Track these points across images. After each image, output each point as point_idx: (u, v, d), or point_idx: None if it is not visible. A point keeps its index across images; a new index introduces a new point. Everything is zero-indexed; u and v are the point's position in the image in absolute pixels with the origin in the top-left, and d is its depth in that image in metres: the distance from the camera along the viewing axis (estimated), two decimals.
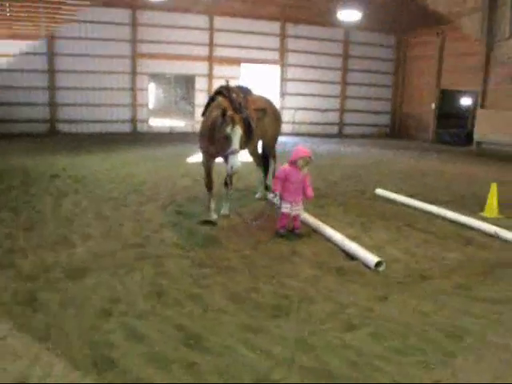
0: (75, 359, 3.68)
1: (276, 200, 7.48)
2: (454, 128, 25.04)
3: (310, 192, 7.19)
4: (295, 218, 7.25)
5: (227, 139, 6.75)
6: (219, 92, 7.86)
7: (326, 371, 3.68)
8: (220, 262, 5.98)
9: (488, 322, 4.61)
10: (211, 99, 7.92)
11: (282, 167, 7.24)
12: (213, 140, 7.26)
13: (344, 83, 26.00)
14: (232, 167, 6.71)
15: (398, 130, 27.40)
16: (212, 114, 7.34)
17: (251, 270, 5.79)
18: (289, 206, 7.11)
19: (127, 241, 6.69)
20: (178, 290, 5.10)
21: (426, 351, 4.03)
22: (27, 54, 21.04)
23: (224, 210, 8.10)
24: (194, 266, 5.83)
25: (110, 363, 3.65)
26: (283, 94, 24.98)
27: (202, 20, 23.08)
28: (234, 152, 6.71)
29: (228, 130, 6.70)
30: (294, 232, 7.23)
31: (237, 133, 6.72)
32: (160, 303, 4.76)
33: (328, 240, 6.98)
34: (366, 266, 5.96)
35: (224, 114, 6.72)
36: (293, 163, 7.06)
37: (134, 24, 22.18)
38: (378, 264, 5.89)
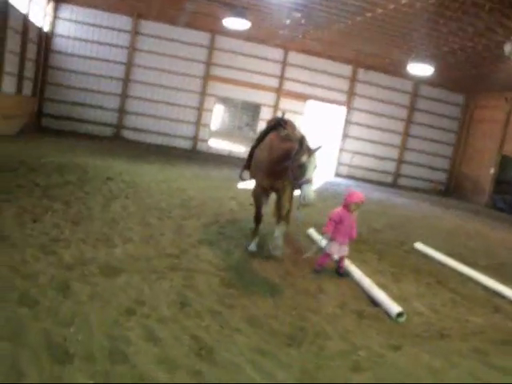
0: (92, 349, 3.94)
1: (322, 241, 7.53)
2: (510, 195, 24.55)
3: (354, 233, 7.42)
4: (342, 258, 7.42)
5: (301, 168, 6.45)
6: (276, 124, 7.96)
7: None
8: (247, 286, 6.17)
9: None
10: (266, 132, 8.01)
11: (336, 210, 7.34)
12: (272, 172, 7.33)
13: (406, 134, 26.00)
14: (305, 197, 6.30)
15: (453, 189, 27.06)
16: (280, 145, 7.12)
17: (275, 298, 5.95)
18: (337, 247, 7.28)
19: (164, 250, 6.99)
20: (202, 304, 5.32)
21: None
22: (107, 60, 22.21)
23: (275, 250, 7.66)
24: (222, 285, 6.04)
25: (124, 357, 3.90)
26: (345, 136, 25.18)
27: (276, 53, 23.74)
28: (308, 182, 6.38)
29: (304, 158, 6.43)
30: (339, 272, 7.40)
31: (313, 163, 6.52)
32: (182, 313, 4.99)
33: (356, 284, 7.07)
34: (388, 314, 6.03)
35: (302, 143, 6.55)
36: (346, 206, 7.26)
37: (211, 47, 23.05)
38: (399, 315, 5.94)
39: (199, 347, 4.30)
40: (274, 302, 5.83)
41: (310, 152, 6.51)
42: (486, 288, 8.15)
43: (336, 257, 7.44)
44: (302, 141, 6.56)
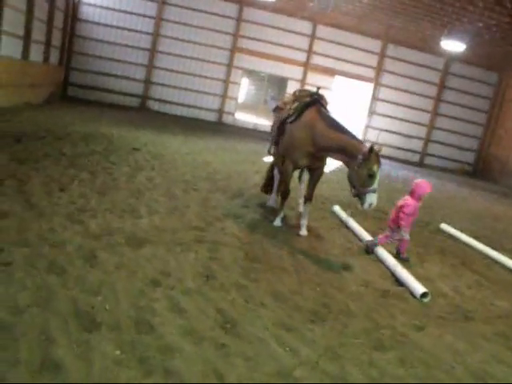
0: (119, 318, 3.97)
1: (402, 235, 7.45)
2: None
3: None
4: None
5: (371, 178, 6.54)
6: (315, 101, 7.68)
7: (345, 381, 3.79)
8: (272, 261, 6.18)
9: None
10: (303, 108, 7.60)
11: (408, 203, 7.30)
12: (312, 155, 7.36)
13: (434, 113, 25.58)
14: (371, 204, 6.57)
15: (480, 170, 26.67)
16: (330, 134, 7.00)
17: (299, 274, 5.95)
18: (406, 234, 7.38)
19: (190, 222, 7.00)
20: (227, 277, 5.33)
21: None
22: (134, 30, 22.12)
23: (303, 231, 7.74)
24: (247, 259, 6.05)
25: (150, 328, 3.92)
26: (372, 113, 24.87)
27: (304, 26, 23.44)
28: (375, 191, 6.59)
29: (375, 168, 6.54)
30: (401, 256, 7.45)
31: (379, 172, 6.66)
32: (207, 285, 5.01)
33: (381, 263, 7.03)
34: (412, 294, 5.99)
35: (372, 149, 6.51)
36: (417, 197, 7.35)
37: (238, 19, 22.84)
38: (423, 295, 5.90)
39: (224, 320, 4.31)
40: (298, 277, 5.82)
41: (379, 161, 6.59)
42: None
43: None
44: (372, 148, 6.51)
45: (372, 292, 5.88)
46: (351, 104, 24.94)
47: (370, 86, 24.82)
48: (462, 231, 9.85)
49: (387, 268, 6.83)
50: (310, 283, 5.71)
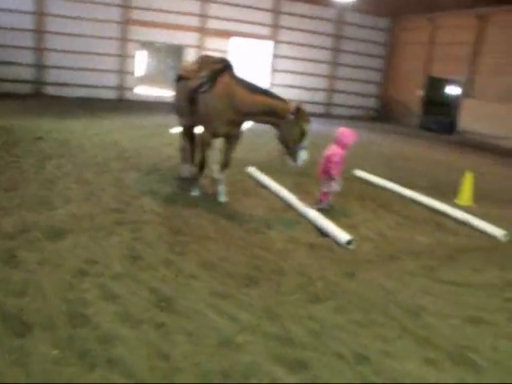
0: (51, 316, 3.86)
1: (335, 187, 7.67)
2: (439, 115, 25.30)
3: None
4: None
5: (303, 135, 6.74)
6: (226, 67, 7.47)
7: (288, 339, 3.90)
8: (196, 231, 6.18)
9: (446, 303, 4.87)
10: (214, 75, 7.38)
11: (335, 152, 7.50)
12: (234, 121, 7.27)
13: (334, 63, 26.09)
14: (302, 161, 6.84)
15: (384, 114, 27.64)
16: (253, 98, 6.97)
17: (225, 239, 6.00)
18: (337, 183, 7.60)
19: (107, 205, 6.84)
20: (154, 255, 5.29)
21: (385, 325, 4.28)
22: (14, 11, 20.73)
23: (222, 197, 7.76)
24: (171, 234, 6.02)
25: (85, 320, 3.84)
26: (274, 71, 25.00)
27: None
28: (306, 147, 6.79)
29: (306, 125, 6.75)
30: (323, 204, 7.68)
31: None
32: (135, 266, 4.95)
33: (303, 216, 7.20)
34: (338, 243, 6.20)
35: (299, 108, 6.71)
36: (343, 146, 7.56)
37: None
38: (348, 242, 6.13)
39: (158, 299, 4.29)
40: (224, 244, 5.88)
41: (308, 118, 6.78)
42: (427, 208, 8.51)
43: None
44: (300, 107, 6.69)
45: (299, 247, 6.04)
46: (252, 64, 24.90)
47: (269, 44, 24.87)
48: (376, 175, 10.24)
49: (309, 221, 7.01)
50: (237, 248, 5.78)
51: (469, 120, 22.45)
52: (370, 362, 3.70)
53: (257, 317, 4.17)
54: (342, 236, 6.20)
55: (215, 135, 7.57)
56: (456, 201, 9.21)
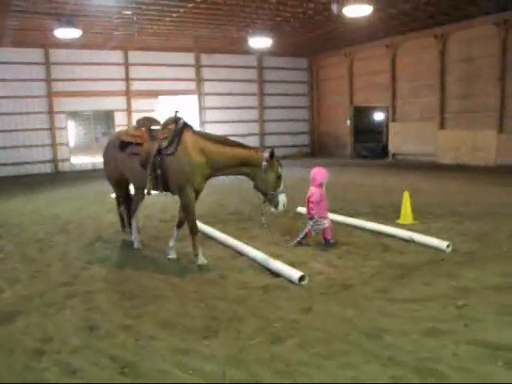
0: None
1: (314, 224, 8.01)
2: (370, 142, 26.18)
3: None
4: (327, 230, 8.06)
5: (280, 180, 7.01)
6: (185, 124, 7.39)
7: (255, 383, 3.91)
8: (149, 292, 6.15)
9: (404, 320, 5.01)
10: (177, 134, 7.24)
11: (316, 191, 8.00)
12: (209, 175, 7.29)
13: (261, 107, 26.70)
14: (284, 205, 7.07)
15: (317, 149, 28.38)
16: (228, 150, 7.04)
17: (179, 296, 5.99)
18: (326, 221, 7.99)
19: (56, 280, 6.72)
20: (110, 322, 5.22)
21: (349, 353, 4.35)
22: None
23: (173, 254, 7.72)
24: (125, 298, 5.96)
25: None
26: (202, 123, 25.32)
27: (116, 55, 23.24)
28: (283, 191, 7.08)
29: (280, 170, 7.04)
30: (330, 242, 8.03)
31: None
32: (92, 337, 4.87)
33: (253, 260, 7.27)
34: (291, 281, 6.28)
35: (272, 154, 6.91)
36: (319, 185, 8.05)
37: (47, 63, 22.01)
38: (301, 278, 6.21)
39: (121, 366, 4.23)
40: (179, 300, 5.86)
41: (280, 163, 7.07)
42: (372, 232, 8.75)
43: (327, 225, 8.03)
44: (273, 153, 6.92)
45: (254, 291, 6.08)
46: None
47: (195, 98, 25.25)
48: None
49: (260, 264, 7.08)
50: (192, 302, 5.77)
51: (397, 142, 23.42)
52: None
53: (221, 366, 4.16)
54: (294, 273, 6.28)
55: (196, 193, 7.36)
56: (398, 221, 9.50)
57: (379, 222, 9.09)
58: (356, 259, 7.32)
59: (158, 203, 12.68)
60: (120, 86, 23.53)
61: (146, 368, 4.18)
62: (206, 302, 5.72)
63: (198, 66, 25.07)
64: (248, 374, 4.03)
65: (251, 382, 3.92)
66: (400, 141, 23.25)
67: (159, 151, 7.21)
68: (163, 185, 7.35)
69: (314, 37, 22.43)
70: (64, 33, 17.34)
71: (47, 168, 22.58)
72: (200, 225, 9.42)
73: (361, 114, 27.28)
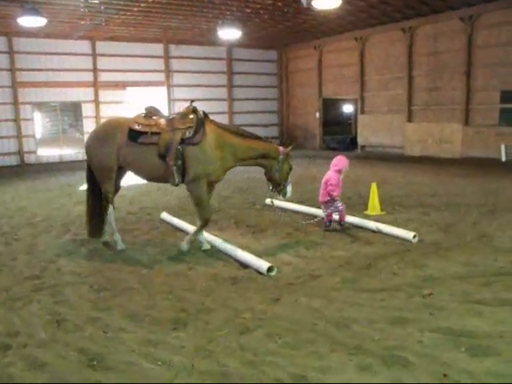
0: None
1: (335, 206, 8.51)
2: (339, 134, 26.38)
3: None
4: (343, 213, 8.56)
5: (290, 171, 7.67)
6: (205, 115, 7.44)
7: (224, 373, 3.92)
8: (118, 285, 6.11)
9: (371, 309, 5.09)
10: (203, 123, 7.28)
11: (332, 176, 8.51)
12: (229, 167, 7.48)
13: (231, 99, 26.64)
14: (291, 192, 7.81)
15: (287, 141, 28.40)
16: (250, 143, 7.33)
17: (148, 288, 5.98)
18: (340, 203, 8.45)
19: (22, 274, 6.62)
20: (78, 315, 5.18)
21: (316, 342, 4.40)
22: None
23: (206, 245, 7.62)
24: (93, 291, 5.92)
25: None
26: (171, 115, 25.08)
27: (83, 45, 22.83)
28: (290, 181, 7.76)
29: (291, 163, 7.70)
30: (343, 225, 8.56)
31: None
32: (60, 330, 4.83)
33: (221, 252, 7.29)
34: (259, 272, 6.32)
35: (292, 148, 7.62)
36: (339, 171, 8.58)
37: (11, 52, 21.48)
38: (269, 269, 6.25)
39: (89, 359, 4.20)
40: (148, 292, 5.85)
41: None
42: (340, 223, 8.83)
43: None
44: (293, 147, 7.66)
45: (222, 282, 6.10)
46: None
47: (164, 90, 25.05)
48: (287, 200, 10.49)
49: (229, 255, 7.11)
50: (161, 294, 5.76)
51: (366, 134, 23.67)
52: (308, 379, 3.78)
53: (190, 358, 4.17)
54: (262, 264, 6.32)
55: (212, 183, 7.57)
56: (366, 212, 9.62)
57: (348, 213, 9.17)
58: (324, 250, 7.39)
59: (126, 196, 12.59)
60: (87, 76, 23.17)
61: (114, 360, 4.16)
62: (175, 294, 5.72)
63: (167, 58, 24.84)
64: (216, 365, 4.05)
65: (220, 372, 3.94)
66: (369, 133, 23.49)
67: (182, 141, 7.11)
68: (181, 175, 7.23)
69: (283, 29, 22.47)
70: (28, 21, 16.87)
71: (13, 160, 22.15)
72: (168, 217, 9.42)
73: (330, 106, 27.47)
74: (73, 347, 4.44)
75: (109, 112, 23.11)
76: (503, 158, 17.94)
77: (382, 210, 9.77)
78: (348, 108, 28.96)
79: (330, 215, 8.51)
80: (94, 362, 4.14)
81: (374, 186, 9.80)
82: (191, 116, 7.31)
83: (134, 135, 7.34)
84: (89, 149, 7.87)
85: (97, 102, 23.27)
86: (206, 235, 7.86)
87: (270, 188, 7.78)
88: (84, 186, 11.86)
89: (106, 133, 7.60)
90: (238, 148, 7.23)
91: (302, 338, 4.51)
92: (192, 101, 7.66)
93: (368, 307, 5.17)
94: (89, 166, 8.04)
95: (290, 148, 7.57)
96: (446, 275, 6.07)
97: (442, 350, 4.17)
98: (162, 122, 7.40)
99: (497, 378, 3.72)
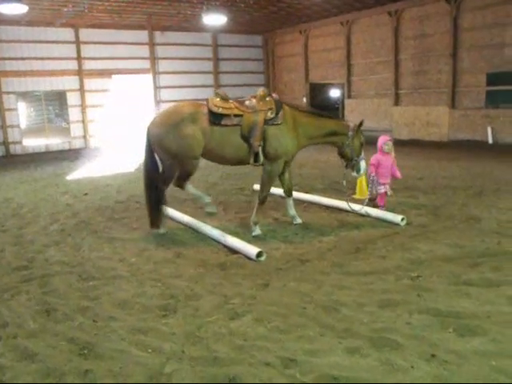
0: None
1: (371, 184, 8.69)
2: None
3: (397, 174, 8.71)
4: (382, 196, 8.64)
5: (361, 146, 7.91)
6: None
7: (214, 358, 3.95)
8: (107, 273, 6.11)
9: (359, 293, 5.14)
10: (281, 105, 7.63)
11: (375, 156, 8.63)
12: (306, 145, 7.93)
13: (217, 85, 26.50)
14: (364, 169, 8.02)
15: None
16: (326, 123, 7.76)
17: (137, 276, 5.98)
18: (382, 187, 8.50)
19: (10, 265, 6.59)
20: (67, 305, 5.17)
21: (305, 326, 4.44)
22: None
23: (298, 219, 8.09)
24: (82, 280, 5.90)
25: None
26: (158, 102, 24.97)
27: (66, 33, 22.49)
28: (364, 157, 7.96)
29: (363, 138, 7.95)
30: (381, 208, 8.53)
31: None
32: (50, 320, 4.82)
33: (210, 239, 7.30)
34: (248, 258, 6.33)
35: (360, 125, 7.80)
36: (379, 150, 8.65)
37: None
38: (258, 255, 6.27)
39: (79, 348, 4.20)
40: (137, 280, 5.85)
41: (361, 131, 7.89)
42: (328, 207, 8.87)
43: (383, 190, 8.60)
44: (362, 123, 7.81)
45: (211, 268, 6.12)
46: (136, 98, 24.69)
47: (150, 77, 24.84)
48: (273, 186, 10.48)
49: (217, 241, 7.13)
50: (150, 281, 5.77)
51: (353, 119, 23.51)
52: (298, 363, 3.81)
53: (180, 344, 4.19)
54: (251, 250, 6.33)
55: (288, 162, 7.93)
56: (354, 196, 9.65)
57: (334, 198, 9.21)
58: (312, 235, 7.42)
59: (113, 185, 12.55)
60: (72, 65, 22.86)
61: (104, 349, 4.17)
62: (164, 282, 5.73)
63: (152, 44, 24.59)
64: (206, 351, 4.07)
65: (210, 358, 3.95)
66: (356, 117, 23.39)
67: (267, 121, 7.37)
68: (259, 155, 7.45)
69: (268, 14, 22.30)
70: (8, 8, 16.50)
71: None
72: None
73: (317, 91, 27.37)
74: (63, 337, 4.44)
75: (94, 101, 22.94)
76: (490, 141, 18.02)
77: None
78: (335, 93, 28.88)
79: (380, 198, 8.61)
80: (85, 351, 4.15)
81: None
82: (268, 99, 7.61)
83: (216, 118, 7.29)
84: (163, 137, 7.26)
85: (82, 90, 22.99)
86: (195, 222, 7.87)
87: (344, 164, 8.05)
88: (72, 176, 11.85)
89: (184, 118, 7.25)
90: (310, 127, 7.60)
91: (291, 322, 4.54)
92: (263, 85, 8.08)
93: (357, 290, 5.22)
94: (150, 156, 7.58)
95: (359, 124, 7.75)
96: (433, 257, 6.13)
97: (430, 331, 4.23)
98: (242, 104, 7.57)
99: (484, 356, 3.77)
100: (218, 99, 7.43)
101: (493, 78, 18.56)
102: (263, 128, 7.29)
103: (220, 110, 7.31)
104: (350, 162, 7.90)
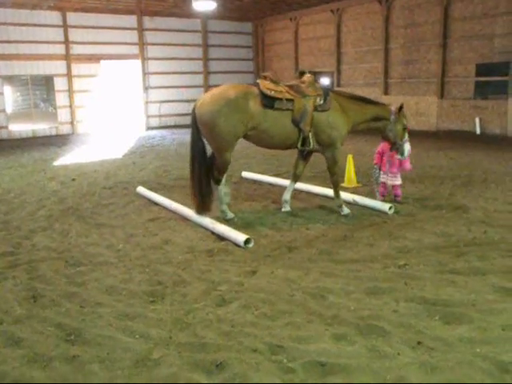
0: None
1: (376, 173, 8.59)
2: None
3: (406, 165, 8.47)
4: (396, 187, 8.49)
5: (404, 130, 7.98)
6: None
7: (202, 344, 3.95)
8: (94, 259, 6.09)
9: (347, 280, 5.17)
10: (328, 91, 7.83)
11: (381, 143, 8.47)
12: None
13: (206, 72, 26.36)
14: (408, 151, 8.09)
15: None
16: (376, 109, 7.97)
17: (125, 262, 5.97)
18: (385, 176, 8.43)
19: None
20: (54, 291, 5.15)
21: (293, 313, 4.45)
22: None
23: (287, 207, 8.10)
24: (69, 266, 5.89)
25: None
26: (146, 88, 24.79)
27: (53, 17, 22.20)
28: (408, 140, 8.06)
29: (405, 122, 8.06)
30: (397, 200, 8.43)
31: None
32: (37, 306, 4.80)
33: (198, 226, 7.29)
34: (236, 244, 6.34)
35: (401, 108, 7.87)
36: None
37: None
38: (246, 241, 6.28)
39: (66, 333, 4.19)
40: (124, 266, 5.85)
41: (405, 114, 8.01)
42: (317, 195, 8.89)
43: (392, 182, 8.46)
44: (401, 107, 7.86)
45: (199, 255, 6.13)
46: (125, 84, 24.52)
47: (139, 63, 24.65)
48: (262, 173, 10.50)
49: (205, 228, 7.12)
50: (137, 267, 5.77)
51: None
52: (285, 349, 3.83)
53: (168, 330, 4.20)
54: (239, 237, 6.34)
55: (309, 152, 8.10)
56: (342, 184, 9.67)
57: (323, 186, 9.22)
58: (300, 222, 7.44)
59: (101, 171, 12.48)
60: (59, 49, 22.60)
61: (92, 335, 4.16)
62: (152, 268, 5.73)
63: (141, 30, 24.37)
64: (194, 337, 4.08)
65: (197, 344, 3.96)
66: None
67: (317, 107, 7.47)
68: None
69: (258, 0, 22.18)
70: None
71: None
72: (144, 191, 9.37)
73: None
74: (50, 322, 4.42)
75: (82, 86, 22.73)
76: (478, 131, 18.11)
77: (357, 182, 9.84)
78: (325, 81, 28.83)
79: (396, 189, 8.50)
80: (72, 337, 4.14)
81: (350, 158, 9.85)
82: (316, 85, 7.69)
83: (268, 101, 7.24)
84: (211, 116, 7.10)
85: (69, 75, 22.75)
86: (184, 209, 7.86)
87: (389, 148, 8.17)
88: (59, 162, 11.74)
89: (235, 99, 7.10)
90: (355, 112, 7.73)
91: (278, 308, 4.56)
92: (310, 72, 8.30)
93: (344, 278, 5.25)
94: (197, 138, 7.44)
95: (399, 108, 7.82)
96: (421, 246, 6.18)
97: (416, 318, 4.26)
98: (291, 88, 7.51)
99: (469, 344, 3.81)
100: (269, 82, 7.44)
101: (482, 69, 18.60)
102: (313, 114, 7.39)
103: (273, 93, 7.27)
104: (394, 146, 8.04)
